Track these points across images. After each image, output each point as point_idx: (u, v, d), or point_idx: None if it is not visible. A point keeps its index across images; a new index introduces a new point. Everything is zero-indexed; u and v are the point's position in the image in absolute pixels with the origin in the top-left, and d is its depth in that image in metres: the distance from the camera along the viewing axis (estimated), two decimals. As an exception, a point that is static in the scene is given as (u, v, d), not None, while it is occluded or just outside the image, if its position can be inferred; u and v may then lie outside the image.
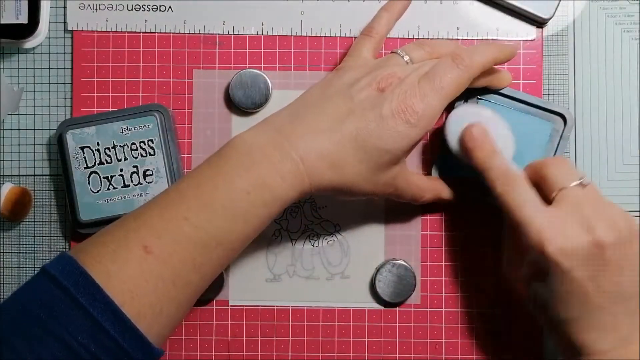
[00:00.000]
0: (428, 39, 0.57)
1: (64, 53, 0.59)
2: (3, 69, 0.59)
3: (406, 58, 0.52)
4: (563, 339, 0.49)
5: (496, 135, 0.52)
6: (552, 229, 0.47)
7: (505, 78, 0.56)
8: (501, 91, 0.56)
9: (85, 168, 0.56)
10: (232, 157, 0.47)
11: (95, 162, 0.56)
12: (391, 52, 0.53)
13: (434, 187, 0.55)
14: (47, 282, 0.43)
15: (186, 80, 0.58)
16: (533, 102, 0.56)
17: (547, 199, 0.49)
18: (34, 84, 0.59)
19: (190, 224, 0.45)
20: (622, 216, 0.48)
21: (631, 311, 0.47)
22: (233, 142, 0.48)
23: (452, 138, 0.53)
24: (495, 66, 0.54)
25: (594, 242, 0.46)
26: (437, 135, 0.57)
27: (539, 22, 0.58)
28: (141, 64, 0.58)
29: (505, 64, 0.57)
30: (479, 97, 0.56)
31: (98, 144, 0.56)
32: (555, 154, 0.56)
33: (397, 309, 0.58)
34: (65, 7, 0.59)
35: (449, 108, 0.53)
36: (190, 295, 0.47)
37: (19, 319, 0.43)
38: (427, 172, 0.57)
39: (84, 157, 0.56)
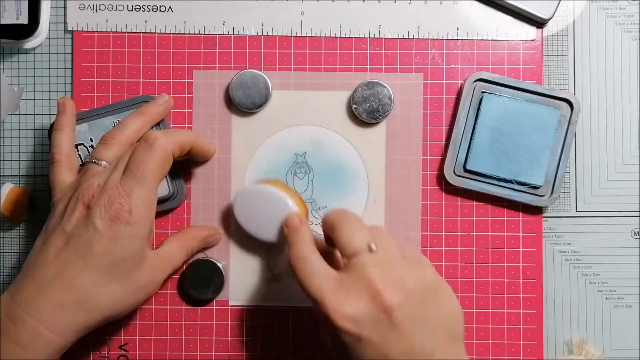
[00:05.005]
0: (112, 131, 0.53)
1: (64, 53, 0.59)
2: (3, 69, 0.59)
3: (103, 164, 0.52)
4: None
5: (277, 204, 0.53)
6: (337, 298, 0.46)
7: (211, 149, 0.57)
8: (506, 83, 0.56)
9: (80, 166, 0.55)
10: None
11: None
12: (85, 163, 0.53)
13: (190, 236, 0.56)
14: None
15: (186, 80, 0.58)
16: (538, 91, 0.56)
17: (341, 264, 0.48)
18: (34, 84, 0.59)
19: None
20: (413, 275, 0.46)
21: None
22: None
23: (243, 219, 0.55)
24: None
25: (381, 307, 0.45)
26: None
27: (539, 22, 0.58)
28: (141, 64, 0.58)
29: (506, 64, 0.57)
30: (483, 91, 0.56)
31: (91, 139, 0.56)
32: (565, 140, 0.56)
33: (397, 309, 0.58)
34: (65, 8, 0.59)
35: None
36: None
37: None
38: (425, 187, 0.57)
39: (78, 155, 0.55)
